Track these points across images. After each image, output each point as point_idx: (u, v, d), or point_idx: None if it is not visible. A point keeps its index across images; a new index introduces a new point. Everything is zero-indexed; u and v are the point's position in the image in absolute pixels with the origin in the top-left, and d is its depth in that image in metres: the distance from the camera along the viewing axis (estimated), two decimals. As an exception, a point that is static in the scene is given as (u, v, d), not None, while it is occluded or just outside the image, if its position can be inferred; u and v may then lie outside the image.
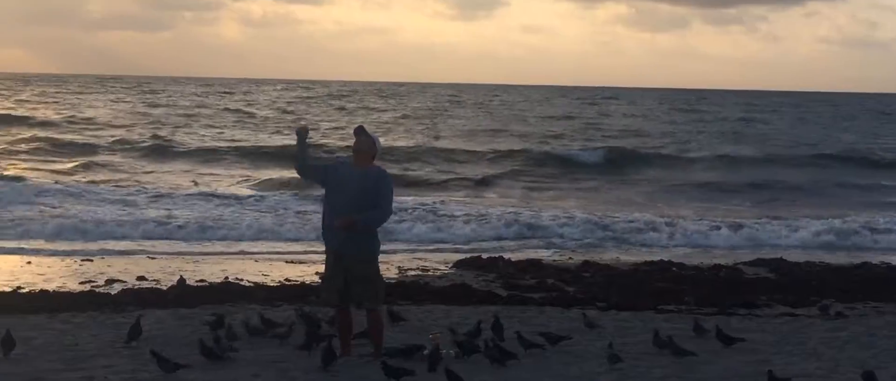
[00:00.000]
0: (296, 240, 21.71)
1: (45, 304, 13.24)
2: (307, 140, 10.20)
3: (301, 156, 10.18)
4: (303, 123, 10.50)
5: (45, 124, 53.97)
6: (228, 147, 44.85)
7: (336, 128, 56.93)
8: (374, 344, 10.15)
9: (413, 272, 17.60)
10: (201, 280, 15.86)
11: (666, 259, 19.31)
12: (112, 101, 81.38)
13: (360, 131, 10.12)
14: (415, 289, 15.16)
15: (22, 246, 19.88)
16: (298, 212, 25.31)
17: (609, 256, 20.49)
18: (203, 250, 20.37)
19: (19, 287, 14.90)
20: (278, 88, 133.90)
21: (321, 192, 10.20)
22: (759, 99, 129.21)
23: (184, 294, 14.31)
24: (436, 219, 24.57)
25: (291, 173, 27.70)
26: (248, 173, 36.95)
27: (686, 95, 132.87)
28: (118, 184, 31.89)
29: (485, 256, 19.14)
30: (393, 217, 11.72)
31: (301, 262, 18.58)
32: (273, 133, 53.22)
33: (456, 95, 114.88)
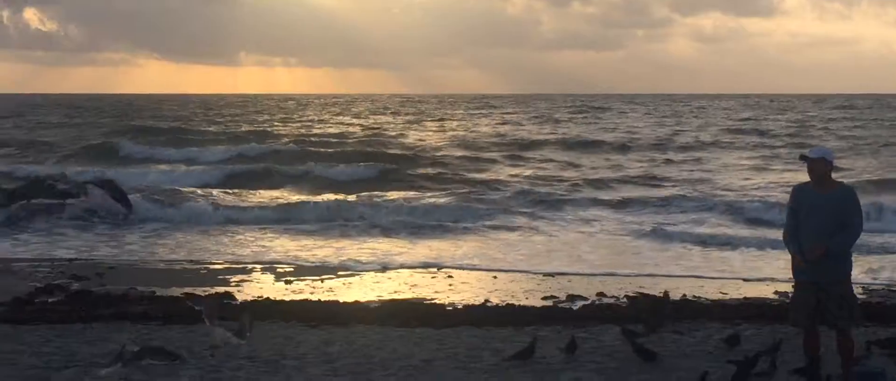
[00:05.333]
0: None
1: (511, 318, 13.81)
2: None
3: None
4: None
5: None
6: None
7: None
8: (843, 365, 9.87)
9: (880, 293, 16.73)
10: (658, 298, 15.98)
11: None
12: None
13: (803, 159, 9.87)
14: (881, 310, 14.40)
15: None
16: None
17: None
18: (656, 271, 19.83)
19: (487, 300, 15.67)
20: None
21: None
22: None
23: (639, 311, 14.44)
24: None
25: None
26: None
27: None
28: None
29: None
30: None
31: (759, 280, 18.16)
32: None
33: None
